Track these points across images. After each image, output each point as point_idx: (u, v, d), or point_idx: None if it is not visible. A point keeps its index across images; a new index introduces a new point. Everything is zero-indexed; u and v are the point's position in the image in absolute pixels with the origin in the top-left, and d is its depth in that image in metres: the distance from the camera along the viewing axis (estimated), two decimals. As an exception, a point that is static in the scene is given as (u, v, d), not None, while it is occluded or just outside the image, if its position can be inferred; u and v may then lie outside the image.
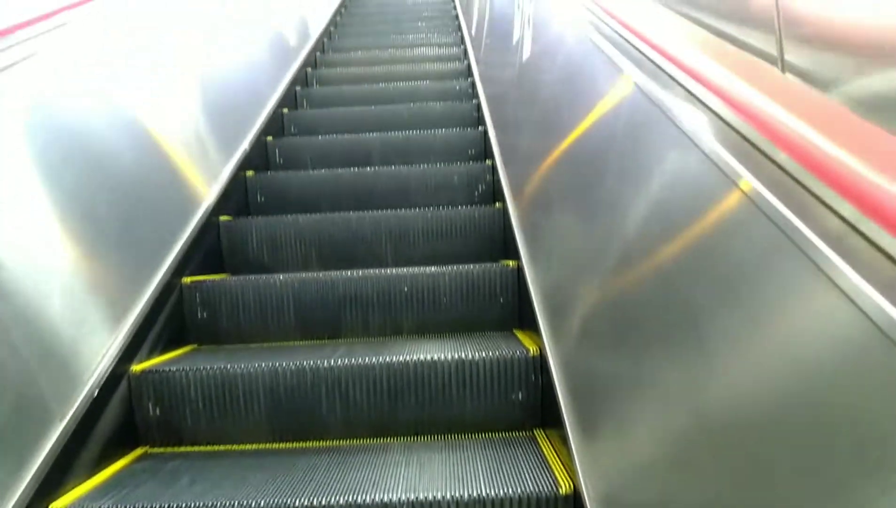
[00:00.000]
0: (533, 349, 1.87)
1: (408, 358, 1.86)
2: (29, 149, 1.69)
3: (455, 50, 5.20)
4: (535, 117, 2.38)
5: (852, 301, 0.62)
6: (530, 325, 2.08)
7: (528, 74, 2.58)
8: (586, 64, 1.77)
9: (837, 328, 0.65)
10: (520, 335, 2.13)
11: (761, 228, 0.79)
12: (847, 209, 0.67)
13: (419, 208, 2.79)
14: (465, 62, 4.80)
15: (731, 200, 0.90)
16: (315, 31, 5.35)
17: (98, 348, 1.79)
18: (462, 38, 5.40)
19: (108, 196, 1.97)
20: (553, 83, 2.17)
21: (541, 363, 1.84)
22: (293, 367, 1.87)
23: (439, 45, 5.34)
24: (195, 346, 2.32)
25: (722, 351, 0.88)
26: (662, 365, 1.08)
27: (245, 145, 3.21)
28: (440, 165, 3.20)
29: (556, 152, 1.96)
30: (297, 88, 4.39)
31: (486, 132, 3.48)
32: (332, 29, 5.97)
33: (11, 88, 1.68)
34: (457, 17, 6.11)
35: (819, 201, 0.71)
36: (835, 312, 0.65)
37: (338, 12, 6.45)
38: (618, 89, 1.47)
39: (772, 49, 0.88)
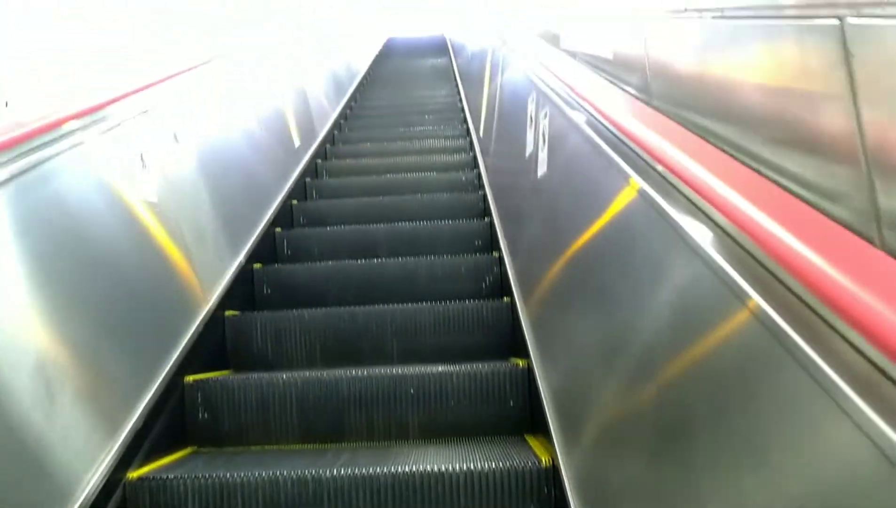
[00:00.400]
0: (545, 459, 1.79)
1: (414, 469, 1.78)
2: (17, 241, 1.67)
3: (461, 141, 5.30)
4: (543, 215, 2.39)
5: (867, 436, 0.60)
6: (542, 429, 2.01)
7: (534, 170, 2.60)
8: (593, 167, 1.78)
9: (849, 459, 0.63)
10: (531, 441, 2.05)
11: (771, 350, 0.78)
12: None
13: (426, 302, 2.76)
14: (471, 153, 4.88)
15: (740, 318, 0.89)
16: (325, 124, 5.49)
17: (93, 455, 1.72)
18: (468, 129, 5.52)
19: (108, 293, 1.95)
20: (559, 182, 2.18)
21: (553, 474, 1.76)
22: (294, 476, 1.80)
23: (446, 137, 5.45)
24: (195, 448, 2.25)
25: (740, 470, 0.84)
26: (682, 483, 1.03)
27: (254, 237, 3.23)
28: (447, 256, 3.20)
29: (566, 253, 1.94)
30: (307, 179, 4.45)
31: (492, 223, 3.50)
32: (341, 122, 6.13)
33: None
34: (462, 109, 6.27)
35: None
36: (844, 440, 0.64)
37: (347, 105, 6.66)
38: (624, 196, 1.47)
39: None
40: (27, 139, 1.74)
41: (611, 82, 1.86)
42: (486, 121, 4.41)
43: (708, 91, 1.26)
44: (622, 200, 1.49)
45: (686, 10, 1.32)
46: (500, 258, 3.08)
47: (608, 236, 1.60)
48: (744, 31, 1.10)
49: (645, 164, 1.34)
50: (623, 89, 1.74)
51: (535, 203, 2.57)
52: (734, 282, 0.90)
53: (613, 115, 1.63)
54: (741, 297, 0.88)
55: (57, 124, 1.89)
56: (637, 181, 1.36)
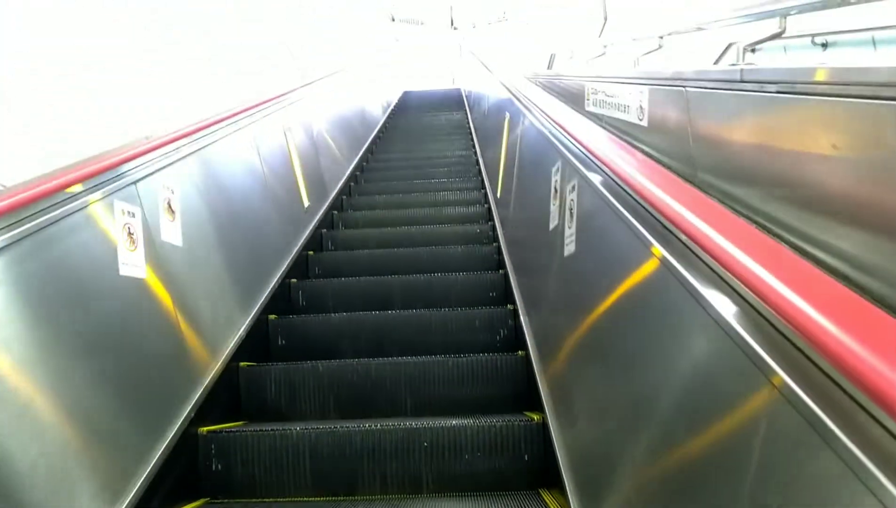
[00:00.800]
0: (560, 515, 1.77)
1: (428, 523, 1.77)
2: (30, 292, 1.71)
3: (476, 194, 5.36)
4: (561, 275, 2.38)
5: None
6: (556, 485, 1.99)
7: (560, 245, 2.32)
8: (615, 231, 1.71)
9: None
10: (546, 496, 2.03)
11: (796, 427, 0.77)
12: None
13: (440, 355, 2.77)
14: (486, 206, 4.94)
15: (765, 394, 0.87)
16: (340, 178, 5.58)
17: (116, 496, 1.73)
18: (482, 182, 5.59)
19: (122, 350, 1.97)
20: (589, 259, 2.02)
21: (568, 530, 1.74)
22: (307, 531, 1.78)
23: (461, 190, 5.51)
24: (207, 500, 2.23)
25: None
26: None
27: (269, 289, 3.26)
28: (461, 309, 3.21)
29: (586, 315, 1.90)
30: (323, 231, 4.51)
31: (506, 275, 3.52)
32: (357, 173, 6.23)
33: None
34: (477, 162, 6.34)
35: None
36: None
37: (364, 158, 6.76)
38: (646, 265, 1.43)
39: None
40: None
41: (647, 154, 1.72)
42: (503, 183, 4.38)
43: (770, 167, 1.14)
44: (652, 280, 1.41)
45: (743, 80, 1.22)
46: (515, 311, 3.09)
47: (633, 306, 1.57)
48: (817, 109, 1.01)
49: (713, 272, 1.13)
50: (659, 160, 1.63)
51: (561, 276, 2.51)
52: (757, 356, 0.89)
53: (653, 197, 1.43)
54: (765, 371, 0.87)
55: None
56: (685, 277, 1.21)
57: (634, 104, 1.87)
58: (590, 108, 2.39)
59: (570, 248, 2.14)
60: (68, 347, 1.71)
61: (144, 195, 2.19)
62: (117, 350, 1.92)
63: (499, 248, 3.99)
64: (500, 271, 3.69)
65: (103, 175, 2.00)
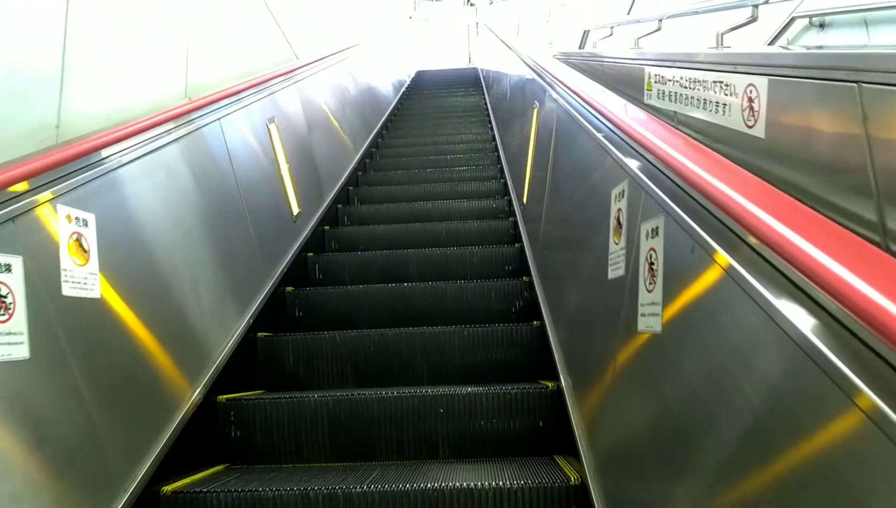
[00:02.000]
0: (574, 478, 1.79)
1: (443, 485, 1.79)
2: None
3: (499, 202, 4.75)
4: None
5: None
6: (571, 451, 2.00)
7: (625, 307, 1.67)
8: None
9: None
10: (560, 461, 2.04)
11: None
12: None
13: (456, 325, 2.78)
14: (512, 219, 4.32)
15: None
16: (356, 154, 5.57)
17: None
18: (499, 157, 5.55)
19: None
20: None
21: (582, 492, 1.75)
22: (325, 492, 1.82)
23: (480, 192, 5.00)
24: (227, 465, 2.28)
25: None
26: None
27: (286, 262, 3.29)
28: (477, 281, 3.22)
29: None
30: (339, 206, 4.53)
31: (522, 248, 3.51)
32: (373, 150, 6.21)
33: None
34: (497, 147, 6.07)
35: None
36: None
37: (374, 143, 6.70)
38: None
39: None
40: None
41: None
42: (531, 190, 3.56)
43: None
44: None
45: None
46: (531, 283, 3.09)
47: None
48: None
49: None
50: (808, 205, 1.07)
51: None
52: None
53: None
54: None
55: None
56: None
57: (738, 101, 1.35)
58: (652, 100, 1.91)
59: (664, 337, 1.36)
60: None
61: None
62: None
63: (515, 222, 3.98)
64: (517, 244, 3.68)
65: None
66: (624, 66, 2.28)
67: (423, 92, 9.61)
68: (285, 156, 3.52)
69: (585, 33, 4.16)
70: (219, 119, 2.75)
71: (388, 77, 8.55)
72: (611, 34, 3.62)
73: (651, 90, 1.89)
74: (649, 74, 1.91)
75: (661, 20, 2.81)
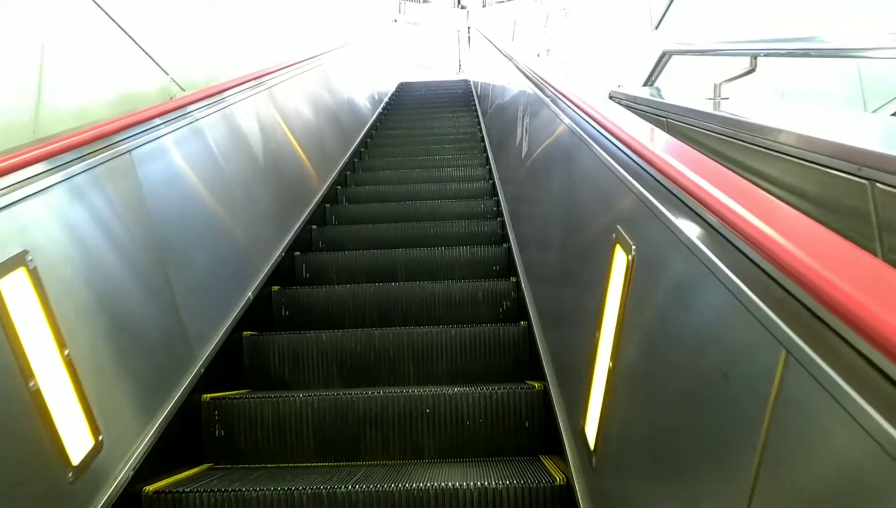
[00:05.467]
0: (559, 478, 1.78)
1: (429, 485, 1.78)
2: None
3: (480, 171, 5.27)
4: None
5: None
6: (557, 451, 2.00)
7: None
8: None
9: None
10: (546, 461, 2.04)
11: None
12: None
13: (442, 325, 2.77)
14: (490, 181, 4.90)
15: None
16: (345, 153, 5.55)
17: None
18: (487, 158, 5.55)
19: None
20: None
21: (568, 492, 1.75)
22: (309, 492, 1.81)
23: (465, 166, 5.40)
24: (210, 465, 2.26)
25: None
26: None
27: (273, 261, 3.27)
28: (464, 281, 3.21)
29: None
30: (327, 205, 4.51)
31: (509, 248, 3.51)
32: (362, 149, 6.20)
33: None
34: (483, 138, 6.26)
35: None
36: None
37: (370, 131, 6.70)
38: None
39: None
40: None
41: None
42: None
43: None
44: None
45: None
46: (518, 283, 3.08)
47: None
48: None
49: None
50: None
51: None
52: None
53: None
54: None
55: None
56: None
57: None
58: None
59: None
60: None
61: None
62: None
63: (503, 222, 3.97)
64: (504, 244, 3.68)
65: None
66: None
67: (403, 113, 8.03)
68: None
69: (662, 57, 2.78)
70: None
71: (361, 93, 7.09)
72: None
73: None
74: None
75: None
